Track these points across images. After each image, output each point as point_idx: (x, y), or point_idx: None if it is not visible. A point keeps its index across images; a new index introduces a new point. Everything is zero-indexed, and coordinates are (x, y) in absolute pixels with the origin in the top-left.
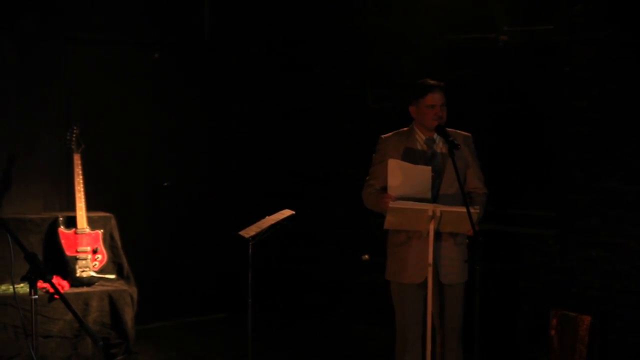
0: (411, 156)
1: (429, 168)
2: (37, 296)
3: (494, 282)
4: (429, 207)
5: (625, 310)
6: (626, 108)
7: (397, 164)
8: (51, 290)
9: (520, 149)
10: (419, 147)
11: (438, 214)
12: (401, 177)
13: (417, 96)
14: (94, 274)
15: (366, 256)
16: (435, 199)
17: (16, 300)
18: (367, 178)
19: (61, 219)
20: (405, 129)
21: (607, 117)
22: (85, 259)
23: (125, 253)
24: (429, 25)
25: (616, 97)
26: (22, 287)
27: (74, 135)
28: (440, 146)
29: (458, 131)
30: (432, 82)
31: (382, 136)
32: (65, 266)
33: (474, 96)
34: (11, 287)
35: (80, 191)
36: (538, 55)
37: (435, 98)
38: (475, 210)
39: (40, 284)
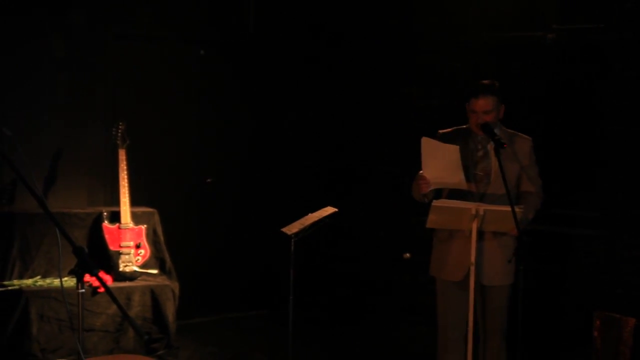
0: (462, 154)
1: (457, 147)
2: (83, 290)
3: (539, 282)
4: (472, 206)
5: None
6: None
7: (428, 142)
8: (94, 284)
9: (568, 149)
10: (472, 146)
11: (481, 212)
12: (433, 155)
13: (467, 98)
14: (136, 268)
15: (407, 254)
16: (482, 198)
17: (63, 294)
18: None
19: (105, 213)
20: (464, 126)
21: None
22: (129, 254)
23: (168, 248)
24: (476, 22)
25: None
26: (66, 281)
27: (120, 131)
28: (492, 145)
29: (518, 133)
30: (483, 83)
31: (440, 131)
32: (108, 261)
33: (521, 94)
34: (55, 280)
35: (124, 186)
36: (587, 54)
37: (477, 104)
38: (519, 210)
39: (85, 277)
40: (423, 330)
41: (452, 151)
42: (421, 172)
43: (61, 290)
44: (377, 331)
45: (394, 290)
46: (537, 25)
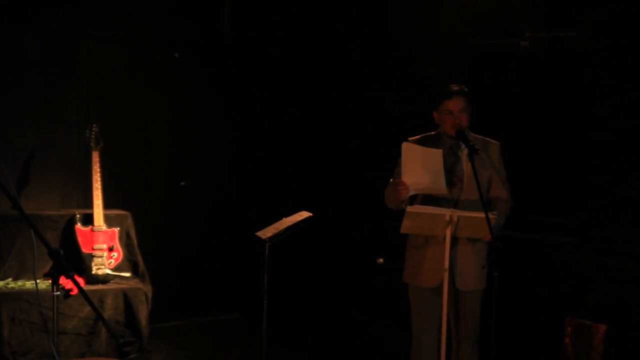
0: None
1: (440, 151)
2: (58, 292)
3: (511, 289)
4: (446, 212)
5: None
6: None
7: (410, 147)
8: (67, 286)
9: (541, 155)
10: (443, 152)
11: (455, 219)
12: (414, 160)
13: (437, 102)
14: (109, 271)
15: (381, 260)
16: (456, 204)
17: (38, 296)
18: (391, 179)
19: (78, 216)
20: (432, 132)
21: (629, 125)
22: (101, 257)
23: (141, 251)
24: (450, 29)
25: (638, 104)
26: (38, 283)
27: (93, 133)
28: (465, 151)
29: (487, 138)
30: (453, 87)
31: (409, 139)
32: (81, 263)
33: (495, 101)
34: (27, 282)
35: (97, 189)
36: (560, 62)
37: (452, 104)
38: (492, 216)
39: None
40: (396, 335)
41: (435, 155)
42: (394, 179)
43: (36, 292)
44: (351, 335)
45: (368, 295)
46: (510, 33)
